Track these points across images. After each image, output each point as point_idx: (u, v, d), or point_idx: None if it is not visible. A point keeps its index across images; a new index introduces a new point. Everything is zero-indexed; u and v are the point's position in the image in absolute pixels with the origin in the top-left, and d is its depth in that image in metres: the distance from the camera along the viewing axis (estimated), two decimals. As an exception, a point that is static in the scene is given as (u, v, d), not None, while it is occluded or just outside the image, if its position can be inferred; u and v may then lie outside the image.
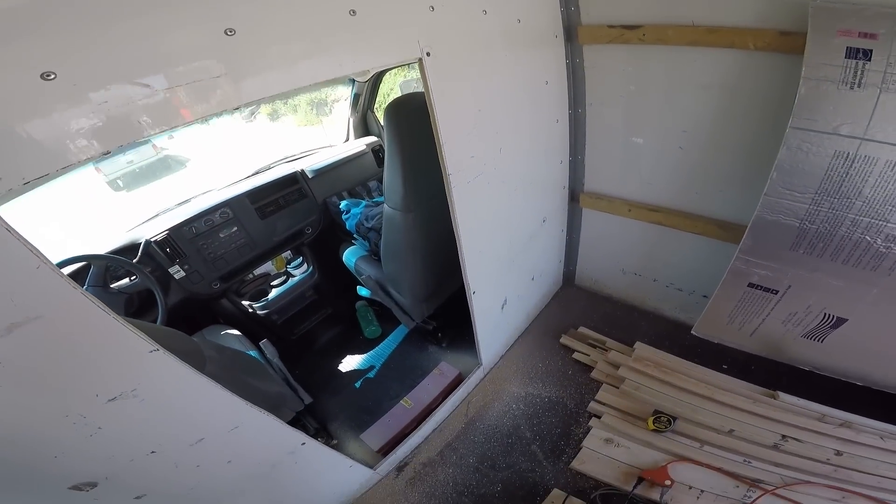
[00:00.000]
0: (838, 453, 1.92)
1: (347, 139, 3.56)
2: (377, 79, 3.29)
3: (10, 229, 0.80)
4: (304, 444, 1.69)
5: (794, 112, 1.55)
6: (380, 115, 3.48)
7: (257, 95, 1.11)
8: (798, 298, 1.89)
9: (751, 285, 1.94)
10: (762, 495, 1.82)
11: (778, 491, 1.83)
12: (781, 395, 2.15)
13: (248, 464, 1.57)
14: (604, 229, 2.74)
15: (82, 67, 0.84)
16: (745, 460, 1.96)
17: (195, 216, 2.43)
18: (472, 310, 2.21)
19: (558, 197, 2.64)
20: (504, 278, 2.40)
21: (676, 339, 2.56)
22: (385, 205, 2.09)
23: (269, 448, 1.61)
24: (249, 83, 1.09)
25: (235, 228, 2.55)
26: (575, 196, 2.70)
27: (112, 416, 1.11)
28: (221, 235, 2.50)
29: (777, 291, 1.90)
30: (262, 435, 1.53)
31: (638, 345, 2.54)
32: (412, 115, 1.84)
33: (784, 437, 2.00)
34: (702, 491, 1.88)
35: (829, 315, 1.88)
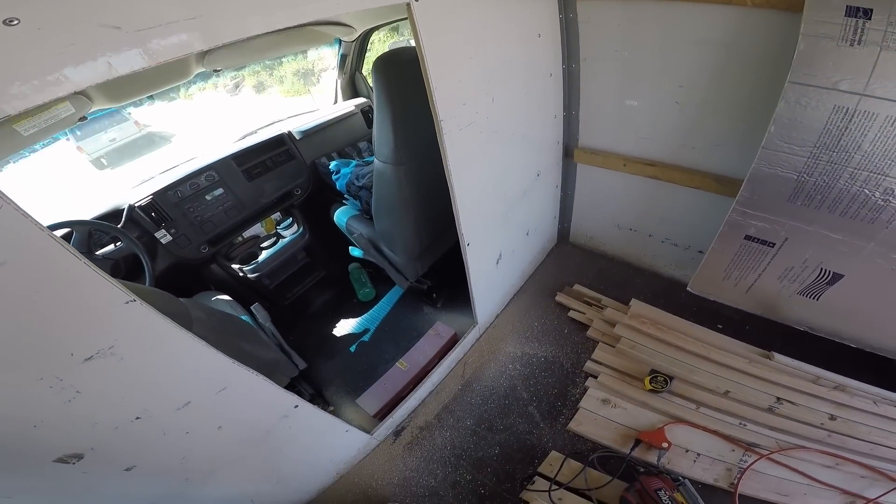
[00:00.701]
0: (832, 417, 1.97)
1: (336, 101, 3.52)
2: (364, 39, 3.24)
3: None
4: (296, 406, 1.67)
5: (793, 67, 1.54)
6: (368, 77, 3.44)
7: (231, 37, 1.04)
8: (795, 252, 1.90)
9: (748, 238, 1.95)
10: (758, 459, 1.86)
11: (773, 455, 1.87)
12: (776, 356, 2.18)
13: (240, 429, 1.55)
14: (599, 185, 2.73)
15: (46, 12, 0.80)
16: (740, 423, 2.00)
17: (180, 180, 2.42)
18: (467, 264, 2.21)
19: (552, 152, 2.62)
20: (498, 232, 2.39)
21: (672, 297, 2.58)
22: (375, 159, 2.07)
23: (261, 412, 1.59)
24: (223, 25, 1.04)
25: (222, 191, 2.55)
26: (569, 151, 2.68)
27: (90, 378, 1.07)
28: (208, 198, 2.50)
29: (774, 244, 1.90)
30: (252, 397, 1.51)
31: (634, 302, 2.55)
32: (401, 68, 1.82)
33: (779, 399, 2.04)
34: (698, 454, 1.92)
35: (826, 270, 1.89)
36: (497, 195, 2.22)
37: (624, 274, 2.88)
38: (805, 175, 1.68)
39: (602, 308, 2.63)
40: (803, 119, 1.59)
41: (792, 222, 1.82)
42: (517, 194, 2.41)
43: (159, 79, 2.23)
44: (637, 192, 2.55)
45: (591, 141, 2.57)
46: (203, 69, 2.33)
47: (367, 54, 3.37)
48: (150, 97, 2.84)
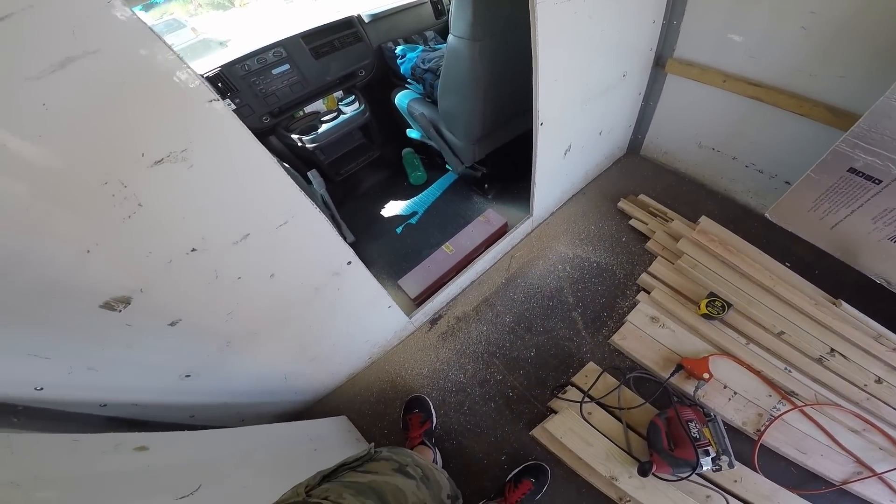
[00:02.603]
0: (878, 380, 1.95)
1: None
2: None
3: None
4: (349, 262, 1.71)
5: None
6: None
7: None
8: (901, 193, 1.81)
9: (851, 170, 1.84)
10: (790, 410, 1.89)
11: (805, 409, 1.89)
12: (844, 304, 2.14)
13: (292, 282, 1.58)
14: (688, 99, 2.62)
15: None
16: (786, 368, 2.01)
17: (248, 55, 2.49)
18: (536, 145, 2.17)
19: (643, 58, 2.51)
20: (573, 120, 2.33)
21: (742, 224, 2.51)
22: (450, 34, 2.04)
23: (315, 262, 1.62)
24: None
25: (288, 66, 2.63)
26: (661, 62, 2.57)
27: (156, 187, 1.05)
28: (274, 73, 2.58)
29: (880, 182, 1.81)
30: (311, 241, 1.53)
31: (704, 219, 2.50)
32: None
33: (832, 350, 2.02)
34: (734, 392, 1.94)
35: (928, 220, 1.81)
36: (579, 83, 2.15)
37: (695, 193, 2.81)
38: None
39: (668, 220, 2.59)
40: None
41: (909, 163, 1.72)
42: (599, 89, 2.33)
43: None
44: (731, 111, 2.43)
45: (690, 53, 2.45)
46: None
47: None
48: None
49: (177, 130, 1.03)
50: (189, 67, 0.97)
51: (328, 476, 0.91)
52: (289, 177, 1.31)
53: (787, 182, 2.37)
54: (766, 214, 2.30)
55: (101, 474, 1.01)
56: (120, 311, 1.17)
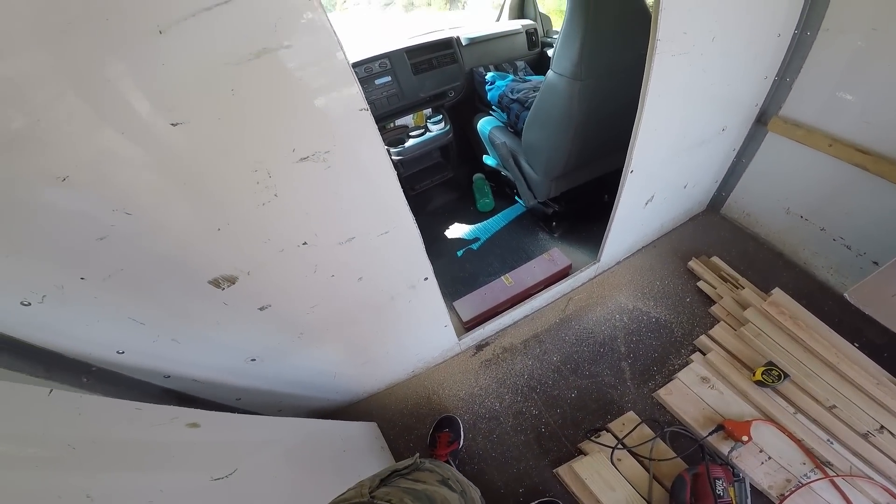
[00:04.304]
0: None
1: (498, 19, 3.72)
2: None
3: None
4: (426, 278, 1.87)
5: None
6: (540, 1, 3.57)
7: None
8: None
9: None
10: (820, 479, 1.86)
11: (836, 479, 1.86)
12: (908, 387, 2.08)
13: (374, 287, 1.74)
14: (785, 160, 2.59)
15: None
16: (828, 439, 1.98)
17: (357, 62, 2.70)
18: (621, 193, 2.23)
19: (746, 113, 2.52)
20: (662, 171, 2.38)
21: (815, 300, 2.47)
22: (550, 70, 2.13)
23: (400, 271, 1.78)
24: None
25: (389, 79, 2.81)
26: (764, 118, 2.56)
27: (294, 180, 1.19)
28: (377, 83, 2.77)
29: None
30: (403, 251, 1.68)
31: (777, 291, 2.48)
32: None
33: (882, 427, 1.97)
34: (769, 457, 1.93)
35: None
36: (676, 134, 2.20)
37: (771, 262, 2.79)
38: None
39: (738, 287, 2.59)
40: None
41: None
42: (694, 142, 2.37)
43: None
44: (831, 178, 2.40)
45: (797, 112, 2.43)
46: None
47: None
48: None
49: (327, 131, 1.17)
50: (353, 72, 1.11)
51: (384, 480, 0.99)
52: (401, 190, 1.46)
53: (874, 262, 2.34)
54: (846, 295, 2.25)
55: (149, 444, 1.09)
56: (224, 289, 1.32)
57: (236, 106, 0.99)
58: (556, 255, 2.78)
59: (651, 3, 1.62)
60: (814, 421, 2.03)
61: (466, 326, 2.54)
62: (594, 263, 2.73)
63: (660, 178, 2.43)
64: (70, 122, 0.87)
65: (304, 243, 1.37)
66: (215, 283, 1.29)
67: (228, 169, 1.10)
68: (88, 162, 0.94)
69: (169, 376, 1.52)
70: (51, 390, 0.95)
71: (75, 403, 0.99)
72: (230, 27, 0.90)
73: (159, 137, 0.97)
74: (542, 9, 3.51)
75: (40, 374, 1.15)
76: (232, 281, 1.32)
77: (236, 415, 1.45)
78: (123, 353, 1.35)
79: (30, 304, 1.09)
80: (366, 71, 2.70)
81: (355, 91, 1.13)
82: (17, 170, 0.89)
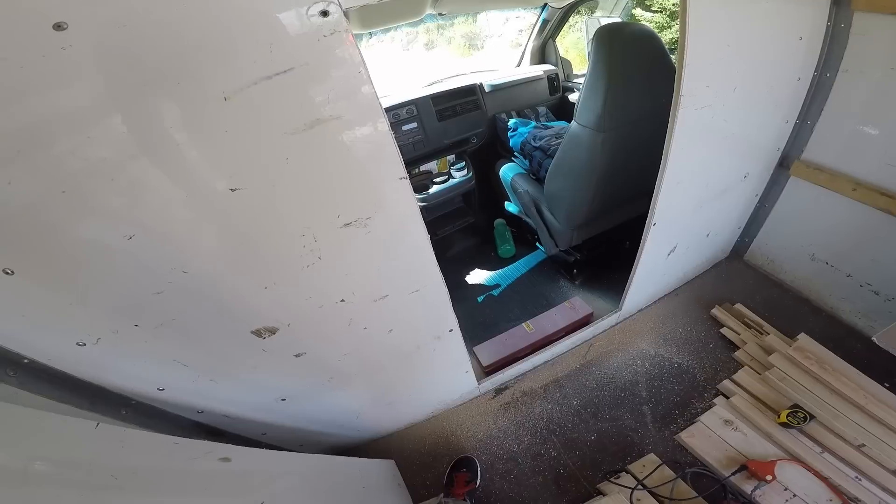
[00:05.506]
0: None
1: (519, 65, 3.89)
2: (569, 10, 3.51)
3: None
4: (451, 330, 1.99)
5: None
6: (560, 46, 3.76)
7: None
8: None
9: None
10: None
11: None
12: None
13: (403, 338, 1.87)
14: (809, 205, 2.61)
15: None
16: (857, 476, 1.96)
17: (385, 108, 2.81)
18: (644, 245, 2.30)
19: (768, 158, 2.57)
20: (684, 222, 2.46)
21: (843, 345, 2.47)
22: (574, 121, 2.23)
23: (427, 324, 1.92)
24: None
25: (416, 125, 3.00)
26: (786, 162, 2.60)
27: (337, 245, 1.32)
28: (403, 129, 2.94)
29: None
30: (431, 306, 1.81)
31: (803, 336, 2.48)
32: (626, 41, 2.03)
33: None
34: (794, 495, 1.92)
35: None
36: (700, 185, 2.27)
37: (796, 309, 2.80)
38: None
39: (762, 333, 2.61)
40: None
41: None
42: (717, 191, 2.43)
43: (398, 12, 2.62)
44: (856, 223, 2.41)
45: (819, 156, 2.47)
46: (431, 11, 2.68)
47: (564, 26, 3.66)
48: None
49: (370, 199, 1.30)
50: (394, 142, 1.22)
51: None
52: (433, 252, 1.58)
53: (903, 308, 2.33)
54: (874, 338, 2.26)
55: (184, 476, 1.16)
56: (265, 338, 1.45)
57: (290, 174, 1.12)
58: (577, 304, 2.84)
59: (675, 59, 1.70)
60: (841, 459, 2.02)
61: (486, 371, 2.59)
62: (616, 312, 2.77)
63: (683, 229, 2.50)
64: (141, 183, 0.99)
65: (342, 300, 1.50)
66: (257, 332, 1.42)
67: (279, 233, 1.23)
68: (153, 223, 1.06)
69: (202, 411, 1.62)
70: (97, 423, 1.04)
71: (119, 436, 1.09)
72: (288, 97, 1.01)
73: (219, 202, 1.09)
74: (562, 52, 3.66)
75: (85, 406, 1.26)
76: (273, 331, 1.44)
77: (263, 450, 1.53)
78: (164, 389, 1.45)
79: (84, 344, 1.20)
80: (394, 117, 2.85)
81: (397, 161, 1.25)
82: (92, 233, 1.02)
